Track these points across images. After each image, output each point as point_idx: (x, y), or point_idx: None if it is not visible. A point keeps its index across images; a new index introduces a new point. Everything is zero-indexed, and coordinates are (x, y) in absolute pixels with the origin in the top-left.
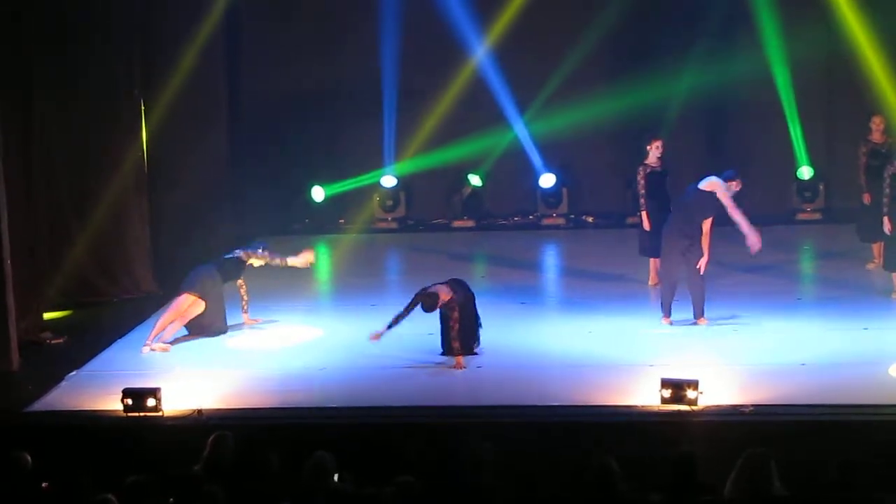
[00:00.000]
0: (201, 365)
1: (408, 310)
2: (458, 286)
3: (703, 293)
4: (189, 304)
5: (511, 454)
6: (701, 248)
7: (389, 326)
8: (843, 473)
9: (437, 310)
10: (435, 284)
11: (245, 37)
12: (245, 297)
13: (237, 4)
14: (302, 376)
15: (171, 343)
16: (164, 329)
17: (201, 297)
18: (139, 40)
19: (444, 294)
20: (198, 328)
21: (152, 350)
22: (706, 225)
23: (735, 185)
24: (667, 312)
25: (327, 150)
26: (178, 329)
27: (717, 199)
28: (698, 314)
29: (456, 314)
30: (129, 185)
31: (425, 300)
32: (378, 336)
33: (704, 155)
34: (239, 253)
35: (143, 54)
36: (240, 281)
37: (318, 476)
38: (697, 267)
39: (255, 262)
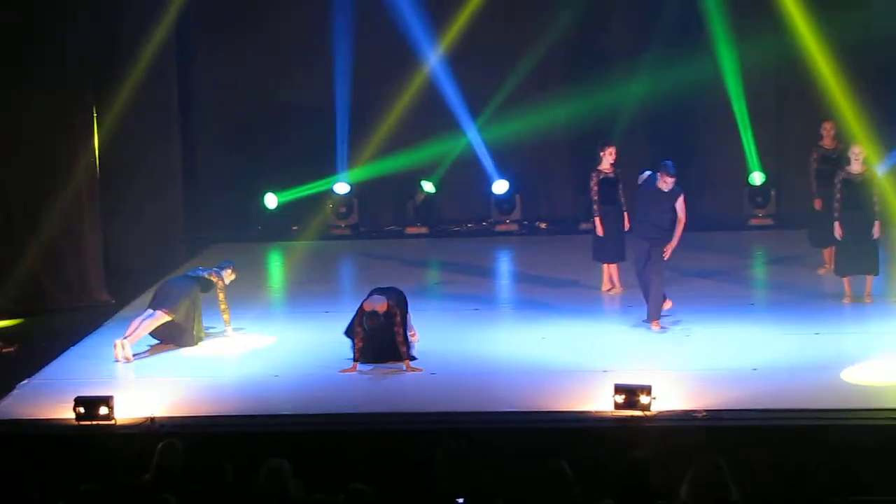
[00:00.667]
0: (155, 372)
1: (358, 331)
2: (391, 293)
3: (660, 293)
4: (162, 322)
5: (465, 460)
6: (666, 240)
7: (354, 357)
8: (796, 477)
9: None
10: (367, 300)
11: (198, 44)
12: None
13: (190, 13)
14: (256, 383)
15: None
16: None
17: (176, 317)
18: (92, 48)
19: (381, 306)
20: (168, 338)
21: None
22: (682, 211)
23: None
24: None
25: (280, 157)
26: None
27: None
28: (653, 317)
29: (398, 318)
30: (81, 192)
31: (370, 320)
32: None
33: (657, 161)
34: (207, 273)
35: (96, 62)
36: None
37: (273, 483)
38: (662, 258)
39: (227, 279)
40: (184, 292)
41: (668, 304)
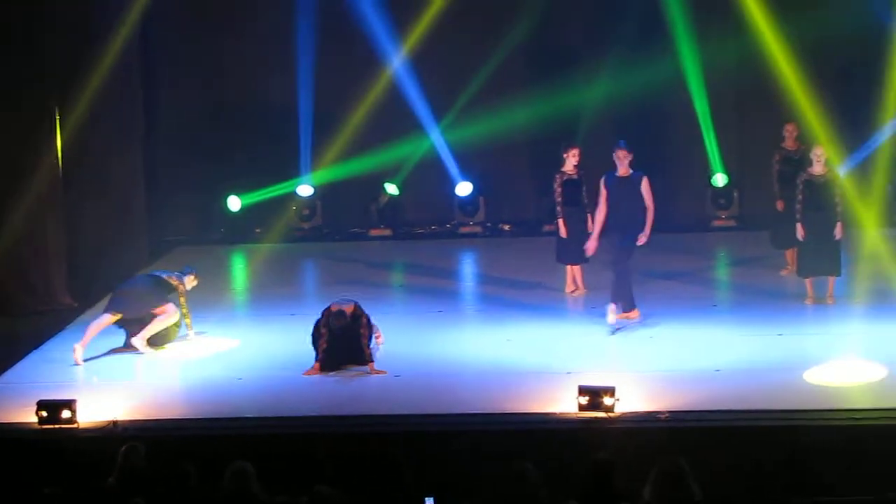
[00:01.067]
0: (118, 376)
1: (323, 332)
2: (352, 301)
3: (628, 282)
4: (109, 323)
5: (430, 462)
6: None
7: (317, 357)
8: (758, 478)
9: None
10: (334, 303)
11: (162, 47)
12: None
13: (154, 15)
14: (220, 386)
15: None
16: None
17: (125, 315)
18: (55, 50)
19: (348, 307)
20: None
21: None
22: (648, 196)
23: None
24: (632, 305)
25: (243, 159)
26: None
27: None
28: (629, 308)
29: (364, 320)
30: (43, 195)
31: (337, 320)
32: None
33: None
34: (167, 276)
35: (59, 64)
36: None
37: (237, 486)
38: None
39: (188, 285)
40: (136, 292)
41: (635, 315)
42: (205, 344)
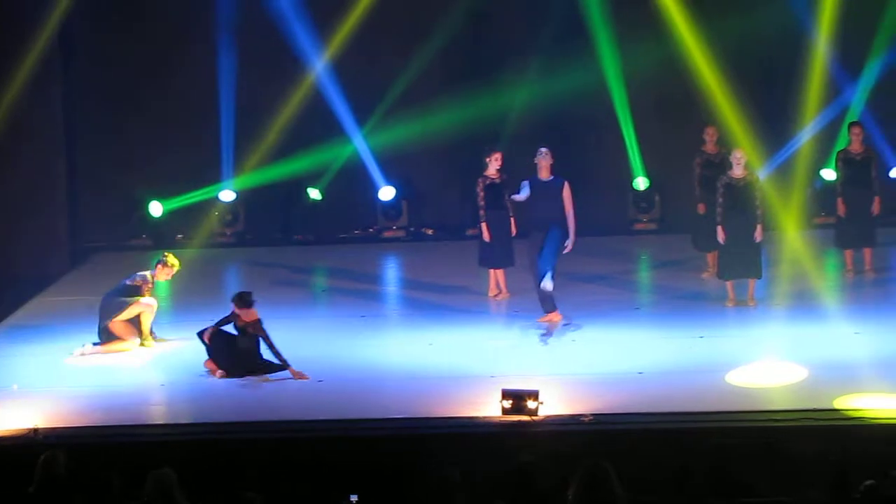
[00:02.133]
0: (38, 383)
1: (214, 329)
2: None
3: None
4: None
5: (354, 468)
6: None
7: (207, 349)
8: (681, 480)
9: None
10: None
11: (82, 51)
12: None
13: (74, 19)
14: (142, 393)
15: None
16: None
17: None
18: None
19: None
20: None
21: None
22: (569, 201)
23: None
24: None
25: (165, 164)
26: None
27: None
28: (550, 310)
29: (263, 332)
30: None
31: (238, 320)
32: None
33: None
34: (132, 280)
35: None
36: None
37: (160, 493)
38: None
39: (160, 277)
40: (102, 304)
41: (556, 318)
42: (126, 350)
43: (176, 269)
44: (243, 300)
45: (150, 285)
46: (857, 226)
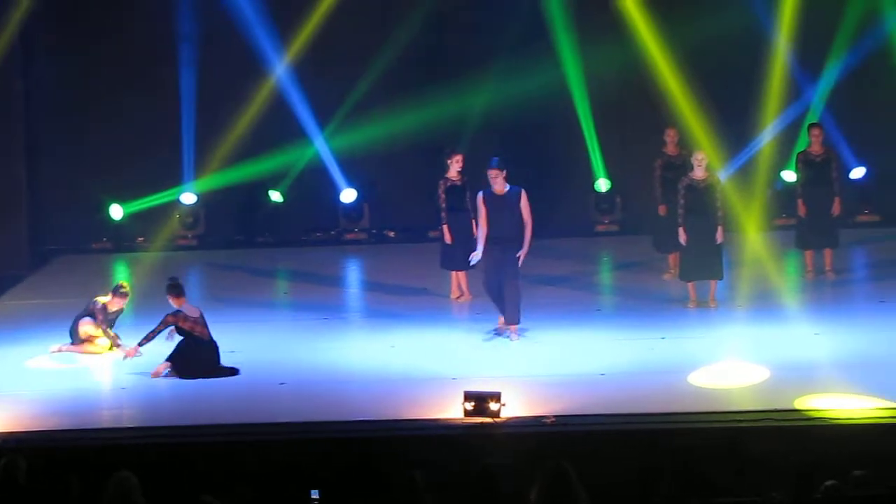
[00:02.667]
0: None
1: (159, 329)
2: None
3: (519, 296)
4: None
5: (316, 470)
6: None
7: (141, 343)
8: (644, 481)
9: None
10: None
11: (42, 55)
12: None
13: (34, 22)
14: (102, 396)
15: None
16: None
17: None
18: None
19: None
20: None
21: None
22: (527, 212)
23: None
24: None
25: (126, 167)
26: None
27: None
28: (514, 320)
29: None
30: None
31: (185, 321)
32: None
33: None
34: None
35: None
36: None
37: (120, 497)
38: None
39: (111, 306)
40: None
41: (514, 328)
42: (87, 353)
43: (128, 299)
44: (176, 288)
45: (95, 306)
46: (819, 227)
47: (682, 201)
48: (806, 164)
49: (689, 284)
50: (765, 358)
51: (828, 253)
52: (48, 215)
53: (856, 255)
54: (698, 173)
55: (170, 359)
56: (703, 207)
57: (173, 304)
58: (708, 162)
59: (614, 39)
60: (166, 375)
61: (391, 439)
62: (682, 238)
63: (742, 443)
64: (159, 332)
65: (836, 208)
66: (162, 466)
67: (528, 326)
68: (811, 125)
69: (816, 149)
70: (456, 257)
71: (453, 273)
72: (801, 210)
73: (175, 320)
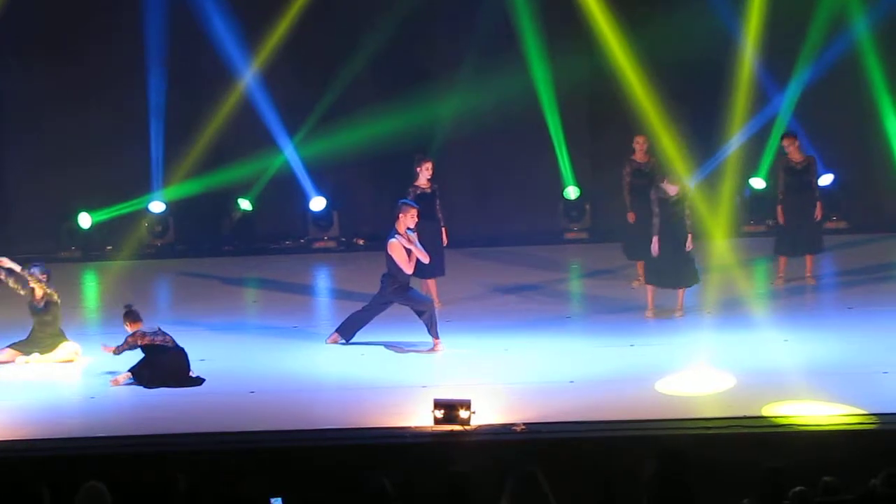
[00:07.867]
0: None
1: (130, 341)
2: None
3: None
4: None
5: (287, 480)
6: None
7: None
8: (613, 488)
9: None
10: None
11: (11, 62)
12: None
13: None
14: (72, 405)
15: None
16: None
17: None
18: None
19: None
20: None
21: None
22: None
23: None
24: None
25: (94, 175)
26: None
27: None
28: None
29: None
30: None
31: (154, 337)
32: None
33: (474, 176)
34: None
35: None
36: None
37: None
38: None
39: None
40: None
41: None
42: (56, 362)
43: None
44: (131, 315)
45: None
46: (803, 233)
47: (656, 209)
48: (788, 171)
49: (649, 292)
50: (733, 365)
51: (809, 259)
52: (16, 224)
53: (823, 262)
54: (671, 190)
55: (132, 370)
56: (674, 219)
57: (129, 330)
58: (680, 180)
59: (582, 46)
60: (128, 384)
61: (361, 447)
62: (655, 249)
63: (711, 449)
64: (125, 350)
65: (818, 213)
66: (132, 475)
67: (498, 334)
68: (784, 135)
69: (796, 157)
70: (426, 265)
71: (423, 281)
72: (781, 217)
73: (134, 340)
